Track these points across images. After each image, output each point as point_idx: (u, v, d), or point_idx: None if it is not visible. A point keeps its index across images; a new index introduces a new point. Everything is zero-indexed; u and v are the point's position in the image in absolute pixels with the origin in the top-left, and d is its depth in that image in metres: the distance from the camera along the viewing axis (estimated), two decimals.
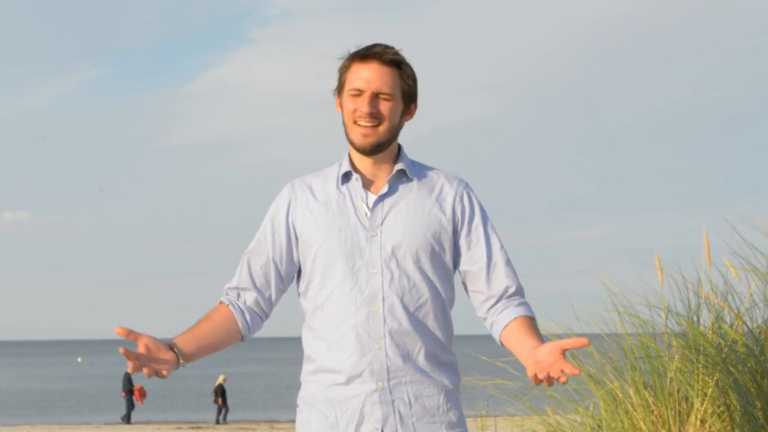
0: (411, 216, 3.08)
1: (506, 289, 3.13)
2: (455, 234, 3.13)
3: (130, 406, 30.80)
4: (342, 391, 3.03)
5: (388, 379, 3.02)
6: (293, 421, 31.01)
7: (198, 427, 29.49)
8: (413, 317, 3.05)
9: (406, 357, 3.04)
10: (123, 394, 31.05)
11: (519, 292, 3.15)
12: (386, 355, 3.02)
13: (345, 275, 3.04)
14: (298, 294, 3.19)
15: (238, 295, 3.17)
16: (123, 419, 30.95)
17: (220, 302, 3.18)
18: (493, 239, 3.15)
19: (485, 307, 3.14)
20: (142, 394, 30.66)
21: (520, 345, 3.01)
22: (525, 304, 3.13)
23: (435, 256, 3.09)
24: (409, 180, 3.13)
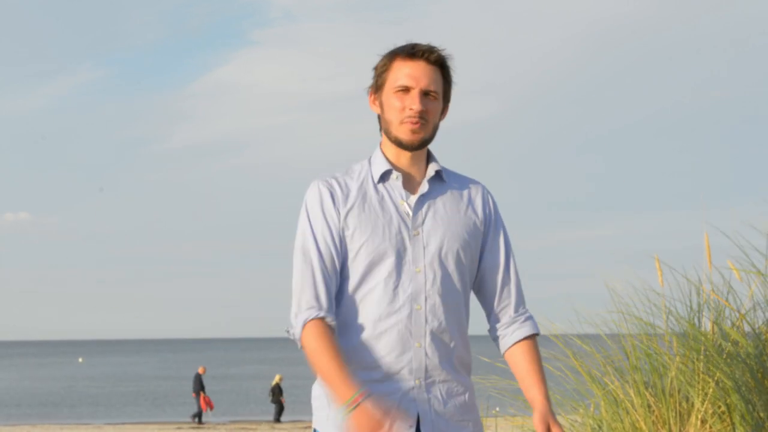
0: (449, 217, 3.12)
1: (512, 299, 3.20)
2: (484, 237, 3.19)
3: (200, 408, 30.66)
4: (377, 388, 3.01)
5: (425, 378, 3.05)
6: (294, 421, 31.02)
7: (198, 427, 29.51)
8: (450, 317, 3.08)
9: (443, 356, 3.07)
10: (194, 394, 30.90)
11: (523, 300, 3.22)
12: (425, 354, 3.04)
13: (390, 273, 3.04)
14: None
15: (326, 301, 3.05)
16: (193, 418, 30.85)
17: (318, 320, 3.01)
18: (509, 246, 3.23)
19: (494, 316, 3.21)
20: (208, 404, 30.57)
21: (522, 383, 3.17)
22: (530, 318, 3.21)
23: (470, 258, 3.15)
24: (443, 182, 3.17)
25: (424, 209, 3.11)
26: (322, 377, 2.99)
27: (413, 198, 3.10)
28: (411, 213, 3.09)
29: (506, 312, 3.19)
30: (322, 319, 3.02)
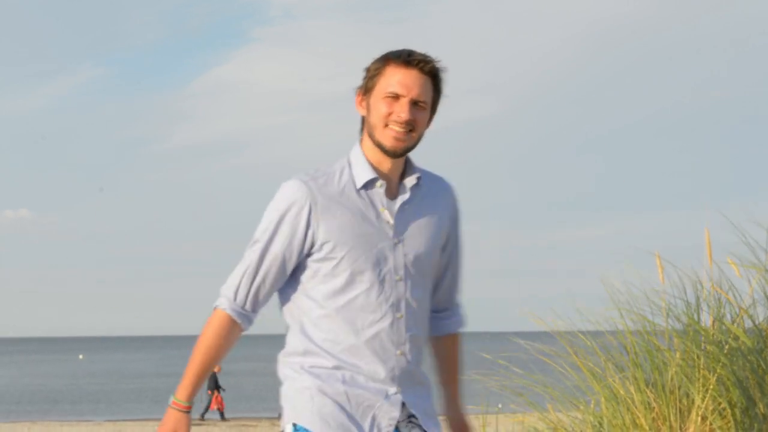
0: (425, 224, 3.15)
1: (453, 289, 3.33)
2: (448, 236, 3.25)
3: (207, 405, 30.53)
4: (361, 390, 3.07)
5: (407, 382, 3.11)
6: None
7: (199, 424, 29.50)
8: (424, 321, 3.16)
9: (418, 360, 3.15)
10: (209, 392, 30.68)
11: (459, 292, 3.36)
12: (407, 360, 3.10)
13: (373, 282, 3.06)
14: (295, 290, 3.16)
15: (246, 299, 3.12)
16: (221, 417, 30.82)
17: (225, 313, 3.11)
18: (462, 242, 3.32)
19: (433, 304, 3.29)
20: (219, 404, 30.35)
21: (440, 376, 3.35)
22: (462, 312, 3.36)
23: (437, 259, 3.21)
24: (420, 187, 3.18)
25: (405, 217, 3.12)
26: (189, 363, 3.12)
27: (393, 205, 3.11)
28: (393, 222, 3.10)
29: (443, 300, 3.31)
30: (229, 315, 3.11)
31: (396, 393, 3.08)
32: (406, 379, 3.10)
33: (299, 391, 3.09)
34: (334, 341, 3.08)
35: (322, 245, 3.06)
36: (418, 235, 3.12)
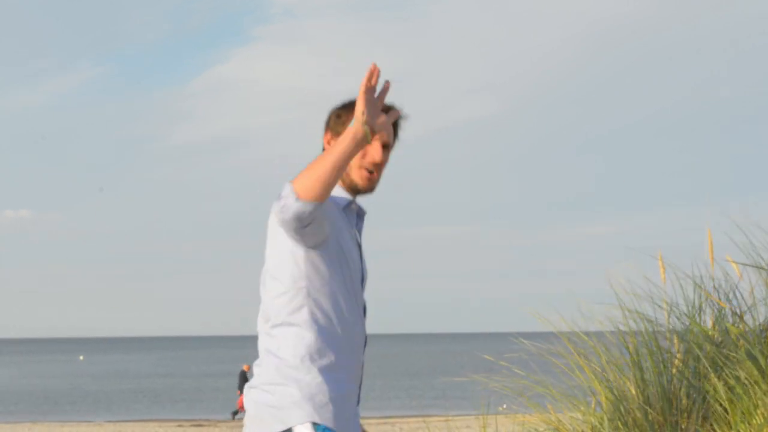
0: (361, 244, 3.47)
1: None
2: None
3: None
4: (348, 389, 3.30)
5: (359, 380, 3.39)
6: None
7: (200, 425, 29.52)
8: None
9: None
10: (238, 392, 30.53)
11: None
12: (363, 361, 3.41)
13: (355, 287, 3.34)
14: (302, 287, 3.26)
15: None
16: (232, 415, 30.91)
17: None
18: None
19: None
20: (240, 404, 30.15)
21: None
22: None
23: None
24: None
25: (361, 237, 3.42)
26: (333, 156, 3.02)
27: (357, 225, 3.41)
28: (359, 240, 3.40)
29: None
30: None
31: (357, 390, 3.35)
32: (360, 377, 3.37)
33: (316, 394, 3.22)
34: (337, 337, 3.27)
35: (325, 252, 3.26)
36: (363, 253, 3.43)
